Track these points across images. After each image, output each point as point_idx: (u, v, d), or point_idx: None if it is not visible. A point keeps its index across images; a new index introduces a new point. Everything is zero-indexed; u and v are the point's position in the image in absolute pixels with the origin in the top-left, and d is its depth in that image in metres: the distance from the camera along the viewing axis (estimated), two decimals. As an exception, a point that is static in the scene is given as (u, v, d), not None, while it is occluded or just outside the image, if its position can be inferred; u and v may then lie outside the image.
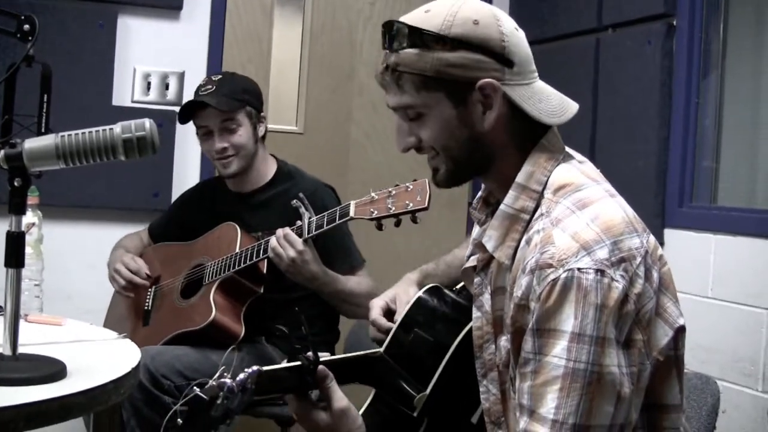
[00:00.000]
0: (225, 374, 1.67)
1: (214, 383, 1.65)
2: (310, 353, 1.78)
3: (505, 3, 4.68)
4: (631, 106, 3.78)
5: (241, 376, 1.67)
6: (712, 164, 3.66)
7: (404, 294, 2.27)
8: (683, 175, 3.60)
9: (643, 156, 3.69)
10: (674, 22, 3.64)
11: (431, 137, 1.74)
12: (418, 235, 2.54)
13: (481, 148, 1.74)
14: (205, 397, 1.59)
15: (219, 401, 1.60)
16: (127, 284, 3.26)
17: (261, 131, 3.28)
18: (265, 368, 1.74)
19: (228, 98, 3.17)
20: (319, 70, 4.60)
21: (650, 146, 3.66)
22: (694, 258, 3.46)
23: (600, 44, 3.99)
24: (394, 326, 2.11)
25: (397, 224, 2.53)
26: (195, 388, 1.61)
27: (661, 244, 3.58)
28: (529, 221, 1.69)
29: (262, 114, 3.30)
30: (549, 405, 1.53)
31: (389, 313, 2.26)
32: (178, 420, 1.56)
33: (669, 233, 3.61)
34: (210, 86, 3.19)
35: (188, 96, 4.06)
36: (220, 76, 3.26)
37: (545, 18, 4.39)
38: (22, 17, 2.58)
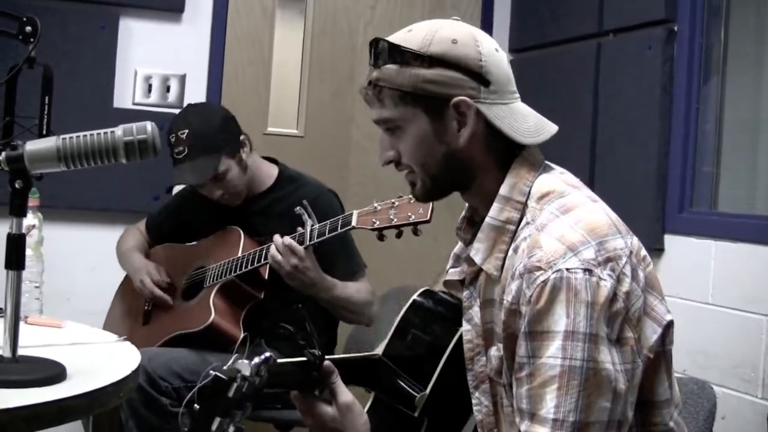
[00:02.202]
0: (239, 359, 1.67)
1: (230, 366, 1.65)
2: (315, 350, 1.80)
3: (506, 8, 4.69)
4: (632, 111, 3.78)
5: (256, 359, 1.68)
6: (712, 170, 3.66)
7: None
8: (683, 181, 3.60)
9: (644, 161, 3.69)
10: (675, 28, 3.64)
11: (409, 151, 1.78)
12: (419, 237, 2.54)
13: (458, 164, 1.77)
14: (224, 377, 1.60)
15: (237, 383, 1.61)
16: (151, 296, 3.27)
17: (245, 154, 3.21)
18: (277, 359, 1.75)
19: (204, 159, 3.12)
20: (320, 73, 4.60)
21: (650, 151, 3.66)
22: (695, 264, 3.46)
23: (601, 49, 3.98)
24: (391, 330, 2.13)
25: (399, 235, 2.55)
26: (212, 371, 1.62)
27: (662, 249, 3.59)
28: (515, 231, 1.72)
29: (241, 138, 3.22)
30: (548, 405, 1.55)
31: None
32: (195, 405, 1.56)
33: (669, 239, 3.60)
34: (181, 147, 3.13)
35: (189, 99, 4.12)
36: (186, 131, 3.14)
37: (546, 23, 4.39)
38: (24, 19, 2.58)
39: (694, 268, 3.46)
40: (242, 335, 2.94)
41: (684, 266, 3.49)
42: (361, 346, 3.24)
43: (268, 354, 1.67)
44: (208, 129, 3.16)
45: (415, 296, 2.16)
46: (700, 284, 3.41)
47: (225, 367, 1.62)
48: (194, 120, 3.18)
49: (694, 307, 3.40)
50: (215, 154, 3.12)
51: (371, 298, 3.12)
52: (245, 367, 1.62)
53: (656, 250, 3.58)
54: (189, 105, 3.47)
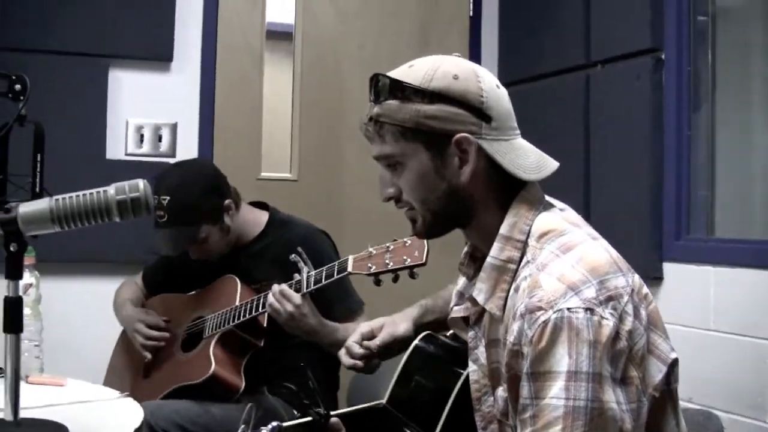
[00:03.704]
0: None
1: None
2: (320, 408, 1.80)
3: (494, 42, 4.71)
4: (624, 140, 3.79)
5: (263, 431, 1.67)
6: (707, 196, 3.66)
7: (391, 325, 2.32)
8: (679, 209, 3.60)
9: (638, 190, 3.69)
10: (662, 56, 3.65)
11: (410, 187, 1.78)
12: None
13: (460, 201, 1.77)
14: None
15: None
16: (150, 342, 3.25)
17: (229, 218, 3.18)
18: (283, 424, 1.75)
19: (184, 228, 3.11)
20: (311, 115, 4.60)
21: (644, 180, 3.66)
22: (694, 291, 3.45)
23: (589, 80, 3.99)
24: (394, 376, 2.12)
25: (395, 280, 2.54)
26: None
27: (660, 278, 3.58)
28: (516, 270, 1.72)
29: (225, 203, 3.17)
30: None
31: (371, 339, 2.29)
32: None
33: (667, 267, 3.59)
34: (162, 213, 3.10)
35: (181, 148, 4.13)
36: (168, 198, 3.09)
37: (534, 56, 4.41)
38: (13, 77, 2.59)
39: (694, 295, 3.45)
40: (246, 401, 2.90)
41: (684, 294, 3.48)
42: (363, 387, 3.22)
43: (274, 423, 1.66)
44: (190, 197, 3.12)
45: (416, 341, 2.16)
46: (701, 311, 3.40)
47: None
48: (177, 186, 3.14)
49: (696, 334, 3.39)
50: (194, 226, 3.11)
51: None
52: None
53: (655, 278, 3.57)
54: (176, 164, 3.42)
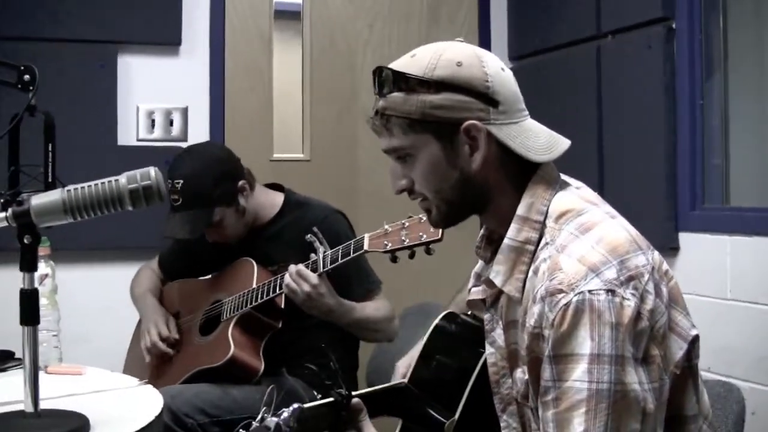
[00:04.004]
0: (266, 414, 1.67)
1: (259, 424, 1.65)
2: (342, 389, 1.80)
3: (503, 17, 4.69)
4: (636, 111, 3.77)
5: (285, 414, 1.68)
6: (721, 165, 3.64)
7: None
8: (693, 178, 3.59)
9: (652, 161, 3.68)
10: (673, 25, 3.63)
11: (422, 179, 1.77)
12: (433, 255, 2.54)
13: (474, 188, 1.76)
14: None
15: None
16: (154, 349, 3.25)
17: (244, 199, 3.18)
18: (305, 405, 1.75)
19: (197, 212, 3.11)
20: (322, 96, 4.60)
21: (658, 151, 3.65)
22: (711, 260, 3.44)
23: (601, 51, 3.98)
24: (416, 356, 2.11)
25: (411, 256, 2.54)
26: (242, 430, 1.62)
27: (676, 248, 3.57)
28: (535, 252, 1.70)
29: (239, 185, 3.17)
30: (577, 430, 1.53)
31: None
32: None
33: (683, 237, 3.59)
34: (176, 197, 3.11)
35: (192, 132, 4.15)
36: (181, 182, 3.10)
37: (544, 28, 4.39)
38: (22, 68, 2.57)
39: (711, 264, 3.44)
40: (267, 384, 2.90)
41: (700, 263, 3.48)
42: (383, 367, 3.23)
43: (296, 405, 1.66)
44: (204, 180, 3.12)
45: (437, 320, 2.15)
46: (718, 280, 3.40)
47: (254, 425, 1.61)
48: (191, 169, 3.14)
49: (714, 303, 3.38)
50: (209, 208, 3.11)
51: (390, 315, 3.12)
52: (274, 423, 1.61)
53: (671, 249, 3.56)
54: (189, 148, 3.42)
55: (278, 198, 3.30)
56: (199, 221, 3.12)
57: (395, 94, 1.72)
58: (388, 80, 1.73)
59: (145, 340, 3.24)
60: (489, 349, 1.88)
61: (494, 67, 1.74)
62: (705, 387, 1.79)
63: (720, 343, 3.29)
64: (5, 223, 1.87)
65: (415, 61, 1.73)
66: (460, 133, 1.70)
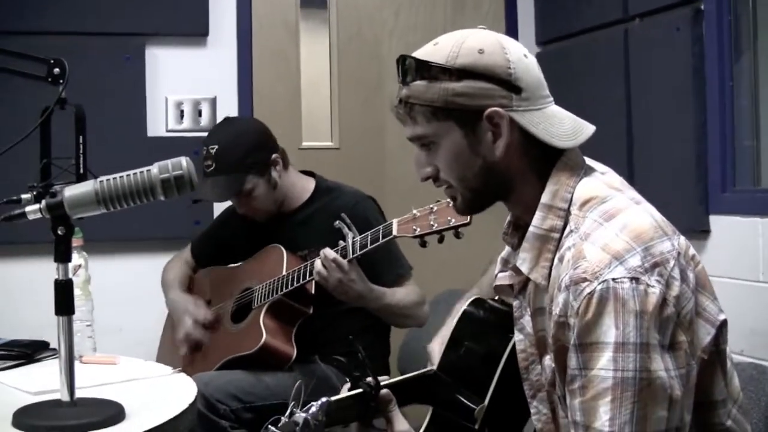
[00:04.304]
0: (294, 409, 1.68)
1: (287, 420, 1.66)
2: (370, 378, 1.81)
3: (530, 2, 4.67)
4: (665, 94, 3.75)
5: (313, 409, 1.69)
6: (752, 146, 3.61)
7: None
8: (724, 160, 3.55)
9: (681, 143, 3.65)
10: (701, 6, 3.59)
11: (446, 166, 1.77)
12: (462, 240, 2.55)
13: (498, 176, 1.76)
14: None
15: None
16: (189, 338, 3.28)
17: (277, 173, 3.21)
18: (333, 398, 1.76)
19: (228, 178, 3.14)
20: (350, 84, 4.61)
21: (687, 133, 3.62)
22: (742, 243, 3.41)
23: (628, 35, 3.95)
24: (444, 342, 2.12)
25: (440, 240, 2.55)
26: (269, 426, 1.63)
27: (707, 231, 3.55)
28: (560, 239, 1.70)
29: (273, 157, 3.21)
30: (603, 418, 1.53)
31: None
32: None
33: (714, 219, 3.55)
34: (209, 162, 3.15)
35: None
36: (216, 147, 3.16)
37: (570, 13, 4.36)
38: (51, 61, 2.60)
39: (742, 246, 3.41)
40: (297, 376, 2.91)
41: (731, 246, 3.45)
42: (414, 352, 3.24)
43: (323, 399, 1.68)
44: (238, 147, 3.17)
45: (464, 306, 2.15)
46: (750, 263, 3.37)
47: (283, 420, 1.63)
48: (226, 136, 3.21)
49: (746, 286, 3.36)
50: (241, 174, 3.14)
51: (421, 300, 3.13)
52: (302, 419, 1.62)
53: (702, 231, 3.53)
54: (226, 119, 3.49)
55: (310, 183, 3.32)
56: (231, 186, 3.15)
57: (418, 82, 1.72)
58: (411, 69, 1.73)
59: (179, 331, 3.27)
60: (518, 336, 1.88)
61: (516, 53, 1.74)
62: (736, 370, 1.79)
63: (753, 326, 3.27)
64: (39, 215, 1.89)
65: (437, 50, 1.73)
66: (482, 121, 1.70)
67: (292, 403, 1.67)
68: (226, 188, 3.15)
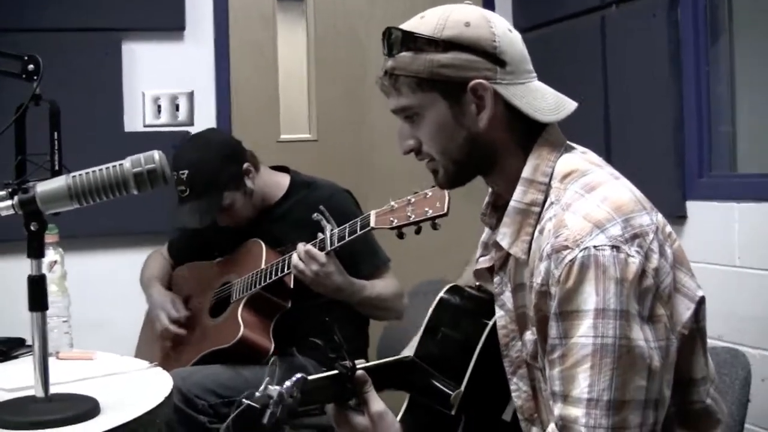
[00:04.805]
0: (269, 385, 1.68)
1: (261, 393, 1.66)
2: (346, 361, 1.81)
3: (508, -14, 4.67)
4: (642, 80, 3.76)
5: (288, 383, 1.69)
6: (729, 132, 3.63)
7: None
8: (700, 146, 3.57)
9: (659, 129, 3.66)
10: (677, -8, 3.61)
11: (429, 138, 1.78)
12: (440, 230, 2.55)
13: (480, 148, 1.77)
14: (256, 405, 1.60)
15: (270, 409, 1.62)
16: (165, 333, 3.27)
17: (250, 181, 3.20)
18: (309, 377, 1.76)
19: (207, 198, 3.13)
20: (327, 75, 4.60)
21: (664, 119, 3.63)
22: (719, 228, 3.43)
23: (605, 22, 3.96)
24: (421, 329, 2.12)
25: (418, 231, 2.54)
26: (244, 400, 1.62)
27: (684, 216, 3.57)
28: (540, 213, 1.72)
29: (244, 167, 3.19)
30: (581, 385, 1.54)
31: None
32: None
33: (691, 205, 3.57)
34: (183, 188, 3.13)
35: (199, 116, 4.16)
36: (187, 172, 3.12)
37: (548, 0, 4.37)
38: (26, 57, 2.58)
39: (719, 232, 3.43)
40: (272, 357, 2.92)
41: (708, 231, 3.47)
42: (393, 344, 3.24)
43: (299, 375, 1.68)
44: (209, 166, 3.15)
45: (441, 294, 2.15)
46: (726, 248, 3.39)
47: (256, 395, 1.62)
48: (195, 158, 3.17)
49: (722, 271, 3.38)
50: (217, 192, 3.13)
51: (399, 292, 3.14)
52: (276, 392, 1.62)
53: (678, 217, 3.55)
54: (189, 138, 3.48)
55: (284, 179, 3.31)
56: (209, 208, 3.13)
57: (404, 53, 1.74)
58: (397, 41, 1.75)
59: (156, 328, 3.27)
60: (499, 312, 1.89)
61: (501, 27, 1.75)
62: (711, 354, 1.80)
63: (729, 310, 3.29)
64: (12, 211, 1.88)
65: (423, 22, 1.75)
66: (467, 92, 1.72)
67: (267, 379, 1.67)
68: (206, 211, 3.14)
